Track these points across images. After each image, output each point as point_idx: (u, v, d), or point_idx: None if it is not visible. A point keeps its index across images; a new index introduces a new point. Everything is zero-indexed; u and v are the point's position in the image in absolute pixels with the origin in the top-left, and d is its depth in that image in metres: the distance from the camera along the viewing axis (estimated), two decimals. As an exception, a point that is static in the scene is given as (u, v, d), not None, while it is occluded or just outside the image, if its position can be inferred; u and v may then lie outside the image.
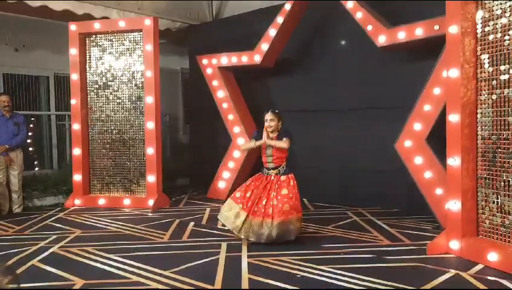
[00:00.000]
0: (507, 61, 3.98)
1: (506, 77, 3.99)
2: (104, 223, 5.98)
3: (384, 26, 5.89)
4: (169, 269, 4.03)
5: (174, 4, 8.74)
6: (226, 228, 5.06)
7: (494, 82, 4.09)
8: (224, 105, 7.66)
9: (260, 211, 4.72)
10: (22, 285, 3.58)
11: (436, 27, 5.28)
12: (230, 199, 4.90)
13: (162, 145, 7.50)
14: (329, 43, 7.19)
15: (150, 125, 6.90)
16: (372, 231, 5.34)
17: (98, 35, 7.22)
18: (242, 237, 4.78)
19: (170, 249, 4.74)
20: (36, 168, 8.05)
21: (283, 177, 4.84)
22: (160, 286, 3.64)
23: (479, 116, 4.26)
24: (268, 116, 4.89)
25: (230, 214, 4.78)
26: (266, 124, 4.90)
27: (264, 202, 4.72)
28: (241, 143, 7.26)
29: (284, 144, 4.76)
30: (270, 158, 4.90)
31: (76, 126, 7.17)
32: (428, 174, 5.41)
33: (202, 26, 9.18)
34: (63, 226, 5.78)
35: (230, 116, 7.60)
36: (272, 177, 4.86)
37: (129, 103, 7.15)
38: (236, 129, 7.52)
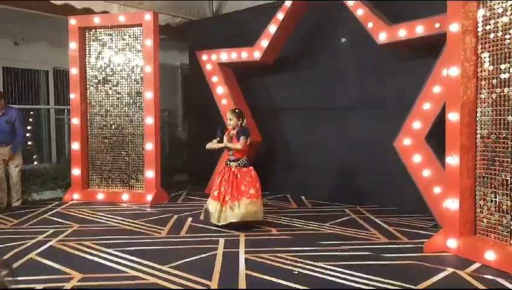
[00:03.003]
0: (507, 60, 3.98)
1: (506, 75, 3.99)
2: (102, 217, 5.98)
3: (385, 24, 5.87)
4: (167, 264, 4.03)
5: (175, -1, 8.72)
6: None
7: (495, 81, 4.09)
8: (224, 101, 7.65)
9: (230, 197, 5.31)
10: (19, 278, 3.59)
11: (437, 25, 5.27)
12: (211, 198, 5.49)
13: (161, 141, 7.49)
14: (330, 41, 7.18)
15: (149, 120, 6.89)
16: (369, 228, 5.35)
17: (97, 30, 7.20)
18: (220, 224, 5.31)
19: (168, 244, 4.75)
20: (35, 162, 8.04)
21: (244, 169, 5.43)
22: (157, 281, 3.65)
23: (478, 115, 4.26)
24: (228, 114, 5.52)
25: (214, 210, 5.38)
26: (227, 122, 5.53)
27: (229, 190, 5.32)
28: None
29: (238, 145, 5.37)
30: (231, 151, 5.50)
31: (75, 121, 7.16)
32: (426, 173, 5.41)
33: (202, 21, 9.16)
34: (61, 220, 5.78)
35: (230, 113, 7.59)
36: (233, 169, 5.42)
37: (128, 98, 7.14)
38: (236, 125, 7.50)
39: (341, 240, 4.86)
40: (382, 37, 5.89)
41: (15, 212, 6.24)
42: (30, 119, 7.48)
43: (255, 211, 5.27)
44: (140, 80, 7.06)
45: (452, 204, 4.32)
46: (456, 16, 4.30)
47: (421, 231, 5.18)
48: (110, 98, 7.20)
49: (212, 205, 5.43)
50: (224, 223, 5.29)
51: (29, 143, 7.51)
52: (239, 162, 5.43)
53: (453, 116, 4.33)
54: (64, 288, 3.49)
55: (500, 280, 3.64)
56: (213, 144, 5.57)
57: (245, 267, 3.94)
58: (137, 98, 7.09)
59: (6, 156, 6.57)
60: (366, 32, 6.06)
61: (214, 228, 5.36)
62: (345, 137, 7.01)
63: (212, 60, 7.78)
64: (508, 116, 3.98)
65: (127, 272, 3.85)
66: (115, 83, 7.18)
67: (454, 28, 4.32)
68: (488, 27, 4.15)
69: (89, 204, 6.84)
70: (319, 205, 6.79)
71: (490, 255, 3.96)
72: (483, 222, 4.24)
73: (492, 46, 4.11)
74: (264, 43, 7.14)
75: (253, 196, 5.28)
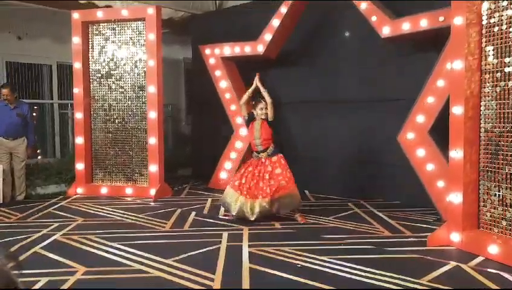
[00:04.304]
0: (512, 53, 3.96)
1: (510, 69, 3.96)
2: (106, 211, 6.00)
3: (389, 17, 5.84)
4: (171, 257, 4.05)
5: (178, -7, 8.70)
6: (226, 217, 5.46)
7: (499, 74, 4.06)
8: (227, 95, 7.65)
9: (258, 192, 5.24)
10: (24, 271, 3.61)
11: (441, 18, 5.24)
12: (230, 187, 5.42)
13: (164, 135, 7.50)
14: (332, 35, 7.15)
15: (152, 114, 6.90)
16: (373, 222, 5.35)
17: (101, 24, 7.19)
18: (252, 219, 5.22)
19: (172, 238, 4.77)
20: (39, 157, 8.07)
21: (274, 158, 5.34)
22: (161, 274, 3.66)
23: (482, 108, 4.24)
24: (261, 105, 5.42)
25: (232, 201, 5.32)
26: (259, 112, 5.43)
27: (260, 184, 5.25)
28: (243, 133, 7.31)
29: (269, 99, 5.34)
30: (259, 140, 5.39)
31: (78, 115, 7.17)
32: (430, 167, 5.41)
33: (205, 15, 9.14)
34: (66, 214, 5.81)
35: (233, 107, 7.59)
36: (263, 160, 5.34)
37: (132, 92, 7.14)
38: (239, 120, 7.50)
39: (344, 233, 4.87)
40: (386, 31, 5.86)
41: (19, 206, 6.27)
42: (34, 114, 7.50)
43: (284, 204, 5.23)
44: (143, 74, 7.06)
45: (455, 198, 4.32)
46: (460, 9, 4.27)
47: (424, 225, 5.18)
48: (114, 93, 7.21)
49: (231, 195, 5.36)
50: (256, 217, 5.21)
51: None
52: (268, 150, 5.37)
53: (457, 110, 4.31)
54: (66, 287, 3.52)
55: (503, 273, 3.64)
56: (246, 94, 5.59)
57: (248, 261, 3.95)
58: (141, 92, 7.10)
59: (17, 150, 6.64)
60: (369, 26, 6.04)
61: (218, 222, 5.38)
62: (348, 131, 6.99)
63: (215, 54, 7.77)
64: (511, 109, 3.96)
65: (131, 266, 3.87)
66: (118, 77, 7.19)
67: (458, 21, 4.30)
68: (492, 20, 4.12)
69: (93, 198, 6.87)
70: (322, 199, 6.79)
71: (493, 249, 3.96)
72: (486, 215, 4.23)
73: (497, 40, 4.08)
74: (268, 36, 7.12)
75: (284, 188, 5.21)
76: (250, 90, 5.59)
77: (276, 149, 5.41)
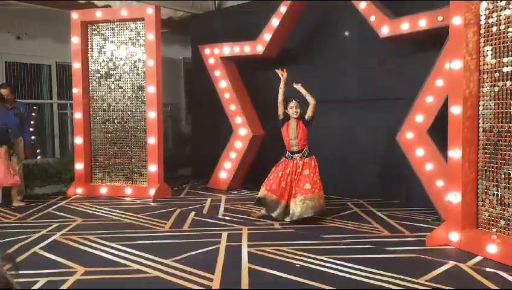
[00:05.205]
0: (510, 53, 3.96)
1: (509, 69, 3.96)
2: (105, 211, 6.01)
3: (388, 17, 5.85)
4: (170, 257, 4.05)
5: (177, -7, 8.70)
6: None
7: (497, 74, 4.07)
8: (226, 95, 7.65)
9: (291, 194, 5.28)
10: (23, 272, 3.62)
11: (440, 18, 5.24)
12: (266, 190, 5.36)
13: (164, 135, 7.50)
14: (332, 35, 7.15)
15: (152, 114, 6.90)
16: (372, 222, 5.35)
17: (100, 24, 7.19)
18: (287, 220, 5.29)
19: (171, 238, 4.77)
20: (38, 157, 8.07)
21: (307, 160, 5.32)
22: (160, 274, 3.67)
23: (480, 108, 4.24)
24: (292, 104, 5.38)
25: (270, 203, 5.36)
26: (292, 110, 5.37)
27: (295, 183, 5.28)
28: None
29: (313, 100, 5.27)
30: (295, 141, 5.35)
31: (78, 115, 7.17)
32: (429, 166, 5.41)
33: (205, 15, 9.15)
34: (65, 215, 5.81)
35: (232, 107, 7.60)
36: (297, 161, 5.31)
37: (131, 92, 7.14)
38: (238, 120, 7.51)
39: (344, 233, 4.87)
40: (385, 31, 5.86)
41: (19, 207, 6.27)
42: (33, 114, 7.50)
43: (305, 207, 5.15)
44: (142, 74, 7.06)
45: (454, 197, 4.33)
46: (458, 9, 4.28)
47: (423, 225, 5.18)
48: (113, 93, 7.21)
49: (268, 197, 5.35)
50: (291, 219, 5.22)
51: (32, 137, 7.53)
52: (303, 152, 5.34)
53: (455, 110, 4.32)
54: (65, 287, 3.52)
55: (501, 272, 3.65)
56: (281, 91, 5.41)
57: (248, 261, 3.96)
58: (140, 92, 7.10)
59: (16, 149, 6.63)
60: (369, 25, 6.04)
61: (217, 222, 5.39)
62: (347, 130, 7.00)
63: (214, 53, 7.77)
64: (510, 109, 3.96)
65: (130, 266, 3.87)
66: (117, 77, 7.19)
67: (456, 21, 4.30)
68: (490, 20, 4.12)
69: (92, 198, 6.88)
70: (321, 199, 6.78)
71: (492, 249, 3.96)
72: (485, 215, 4.24)
73: (495, 40, 4.08)
74: (267, 36, 7.12)
75: (307, 191, 5.18)
76: (282, 84, 5.43)
77: (310, 151, 5.39)
